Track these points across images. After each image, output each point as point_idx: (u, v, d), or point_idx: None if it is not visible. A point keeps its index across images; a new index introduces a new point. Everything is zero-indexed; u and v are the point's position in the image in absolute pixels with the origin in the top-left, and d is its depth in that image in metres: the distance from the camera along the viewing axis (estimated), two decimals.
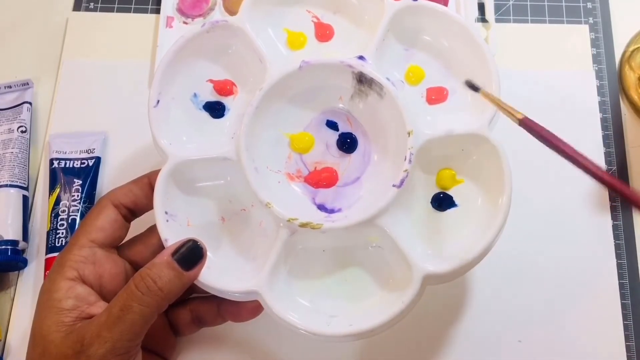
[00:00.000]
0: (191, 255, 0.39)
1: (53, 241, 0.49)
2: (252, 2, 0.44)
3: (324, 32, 0.45)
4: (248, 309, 0.42)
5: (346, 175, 0.43)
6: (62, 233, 0.50)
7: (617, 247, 0.50)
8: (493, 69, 0.42)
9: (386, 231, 0.40)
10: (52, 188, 0.51)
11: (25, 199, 0.51)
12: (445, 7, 0.43)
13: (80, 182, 0.51)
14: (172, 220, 0.41)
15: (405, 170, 0.40)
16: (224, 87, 0.44)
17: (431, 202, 0.42)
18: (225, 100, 0.44)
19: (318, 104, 0.44)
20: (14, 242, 0.49)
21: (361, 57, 0.42)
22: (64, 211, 0.50)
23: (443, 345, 0.48)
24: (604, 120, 0.54)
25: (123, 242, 0.43)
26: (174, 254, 0.39)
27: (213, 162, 0.42)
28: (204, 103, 0.44)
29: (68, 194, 0.51)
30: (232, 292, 0.40)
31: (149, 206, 0.42)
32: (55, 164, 0.52)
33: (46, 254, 0.49)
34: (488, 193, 0.41)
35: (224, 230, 0.42)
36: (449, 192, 0.42)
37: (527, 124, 0.37)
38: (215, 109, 0.44)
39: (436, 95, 0.44)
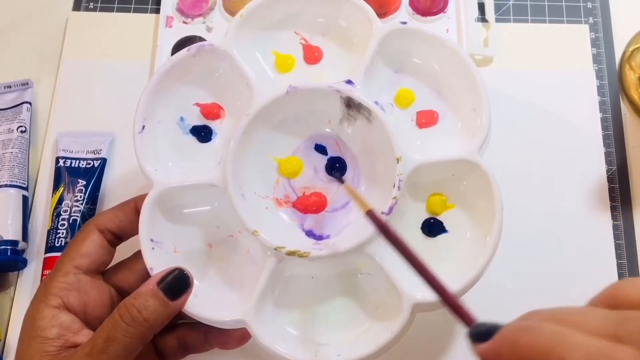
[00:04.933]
0: (177, 284, 0.39)
1: (53, 240, 0.49)
2: (239, 24, 0.43)
3: (312, 55, 0.45)
4: (236, 336, 0.41)
5: (335, 200, 0.42)
6: (63, 233, 0.49)
7: (617, 247, 0.50)
8: (483, 91, 0.42)
9: (375, 259, 0.39)
10: (56, 186, 0.51)
11: (25, 199, 0.50)
12: (435, 30, 0.43)
13: (84, 182, 0.51)
14: (158, 248, 0.40)
15: (394, 198, 0.39)
16: (211, 111, 0.44)
17: (421, 228, 0.42)
18: (213, 124, 0.44)
19: (306, 128, 0.43)
20: (14, 242, 0.49)
21: (349, 82, 0.41)
22: (65, 211, 0.50)
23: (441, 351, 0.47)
24: (604, 120, 0.54)
25: (109, 267, 0.42)
26: (159, 283, 0.38)
27: (199, 189, 0.41)
28: (190, 127, 0.43)
29: (71, 194, 0.50)
30: (219, 321, 0.39)
31: (135, 231, 0.41)
32: (61, 162, 0.51)
33: (45, 253, 0.49)
34: (479, 219, 0.41)
35: (211, 257, 0.42)
36: (439, 218, 0.42)
37: (371, 216, 0.37)
38: (202, 133, 0.43)
39: (426, 119, 0.43)
